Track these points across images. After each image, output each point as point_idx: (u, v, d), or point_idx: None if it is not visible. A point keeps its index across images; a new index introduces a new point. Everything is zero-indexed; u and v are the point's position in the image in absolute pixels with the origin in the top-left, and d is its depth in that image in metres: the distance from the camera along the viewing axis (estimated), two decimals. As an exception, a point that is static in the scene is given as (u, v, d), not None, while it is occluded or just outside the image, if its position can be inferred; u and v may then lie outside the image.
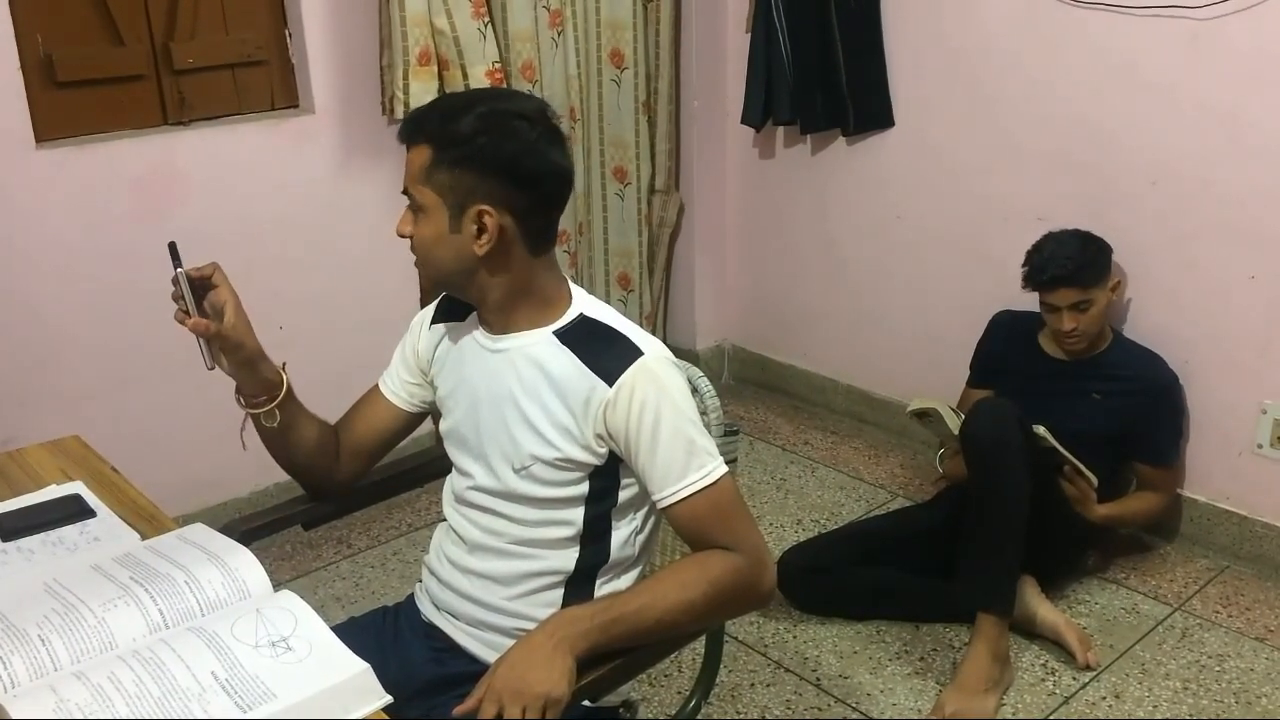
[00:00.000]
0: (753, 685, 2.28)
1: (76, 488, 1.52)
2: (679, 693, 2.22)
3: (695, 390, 1.48)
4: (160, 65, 2.58)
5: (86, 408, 2.53)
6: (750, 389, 3.69)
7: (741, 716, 2.20)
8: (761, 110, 3.18)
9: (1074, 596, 2.53)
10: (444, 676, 1.47)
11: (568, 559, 1.43)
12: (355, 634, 1.25)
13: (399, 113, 2.75)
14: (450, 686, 1.43)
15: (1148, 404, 2.52)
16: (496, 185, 1.33)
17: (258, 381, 1.47)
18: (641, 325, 3.52)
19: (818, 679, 2.30)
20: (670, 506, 1.35)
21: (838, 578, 2.47)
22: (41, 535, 1.39)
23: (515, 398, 1.40)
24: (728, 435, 1.48)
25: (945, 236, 3.04)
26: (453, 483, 1.53)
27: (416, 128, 1.37)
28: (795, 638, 2.42)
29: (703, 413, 1.47)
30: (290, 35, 2.73)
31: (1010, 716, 2.18)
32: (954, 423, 2.39)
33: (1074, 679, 2.27)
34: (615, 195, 3.35)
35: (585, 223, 3.29)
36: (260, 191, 2.71)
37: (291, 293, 2.78)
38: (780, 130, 3.35)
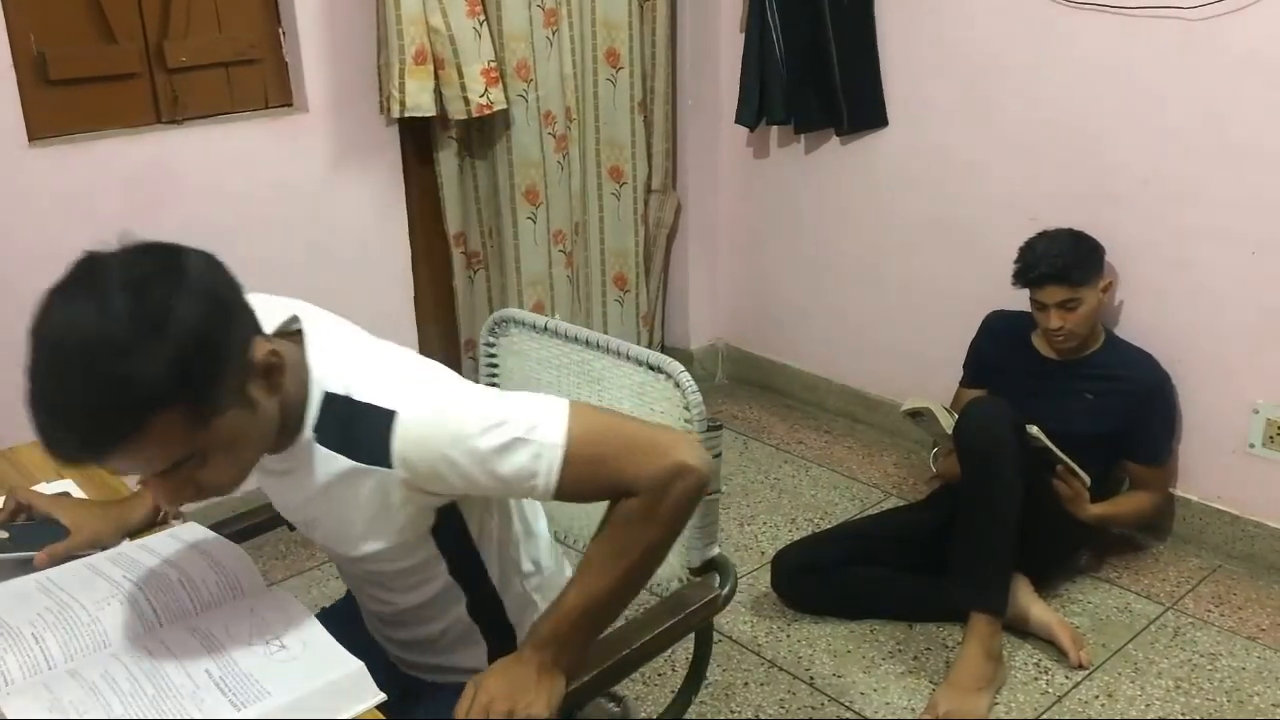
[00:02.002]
0: (746, 684, 2.29)
1: (67, 486, 1.52)
2: (671, 691, 2.22)
3: (677, 385, 1.45)
4: (153, 63, 2.57)
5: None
6: (744, 388, 3.69)
7: (735, 716, 2.20)
8: (756, 110, 3.18)
9: (1066, 595, 2.53)
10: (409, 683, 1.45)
11: (458, 609, 1.37)
12: (330, 622, 1.22)
13: (395, 112, 2.75)
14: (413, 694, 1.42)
15: (1140, 404, 2.53)
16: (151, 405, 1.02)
17: (148, 517, 1.45)
18: (639, 326, 3.56)
19: (811, 678, 2.30)
20: (553, 499, 1.20)
21: (831, 577, 2.48)
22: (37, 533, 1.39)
23: (323, 513, 1.26)
24: (710, 430, 1.46)
25: (938, 236, 3.05)
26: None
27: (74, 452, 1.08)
28: (789, 637, 2.43)
29: (684, 408, 1.45)
30: (284, 33, 2.73)
31: (1003, 715, 2.18)
32: (947, 422, 2.39)
33: (1067, 678, 2.27)
34: (611, 195, 3.35)
35: (581, 223, 3.29)
36: (254, 190, 2.70)
37: (285, 291, 2.76)
38: (774, 130, 3.35)
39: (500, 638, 1.40)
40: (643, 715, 2.18)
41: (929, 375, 3.01)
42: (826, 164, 3.26)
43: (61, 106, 2.46)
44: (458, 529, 1.30)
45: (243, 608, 1.22)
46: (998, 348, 2.69)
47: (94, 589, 1.23)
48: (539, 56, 2.99)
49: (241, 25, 2.68)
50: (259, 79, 2.74)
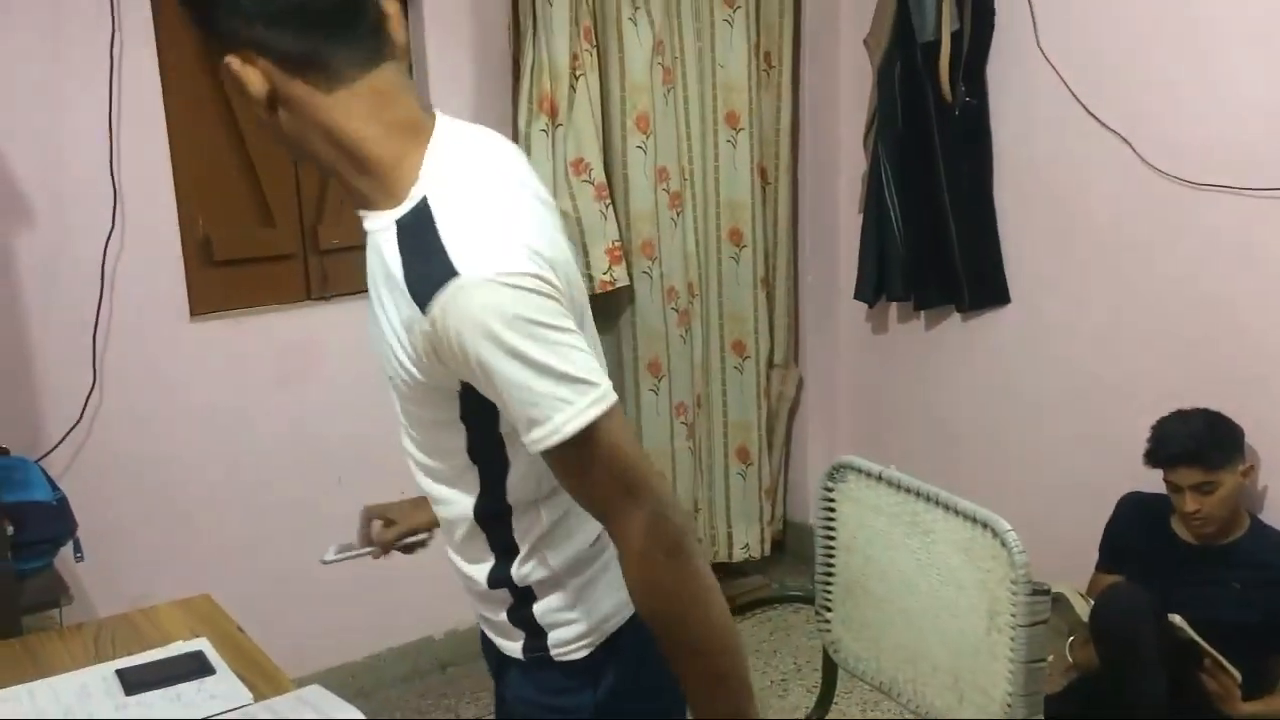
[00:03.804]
0: None
1: (201, 644, 1.57)
2: None
3: (1003, 544, 1.39)
4: (307, 245, 2.77)
5: (218, 567, 2.62)
6: (867, 566, 3.60)
7: None
8: (875, 287, 3.22)
9: (1222, 804, 2.34)
10: None
11: (467, 499, 1.22)
12: None
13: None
14: None
15: (1292, 595, 2.38)
16: (228, 27, 1.07)
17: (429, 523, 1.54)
18: (760, 500, 3.55)
19: None
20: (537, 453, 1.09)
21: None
22: (161, 690, 1.44)
23: (379, 298, 1.18)
24: (1037, 594, 1.39)
25: (1065, 415, 2.98)
26: None
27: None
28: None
29: (1010, 565, 1.35)
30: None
31: None
32: (1082, 609, 2.29)
33: None
34: (734, 369, 3.40)
35: (704, 395, 3.34)
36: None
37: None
38: (894, 306, 3.37)
39: (503, 554, 1.25)
40: None
41: (1062, 558, 2.88)
42: (948, 340, 3.26)
43: (222, 285, 2.66)
44: (486, 407, 1.13)
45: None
46: (1135, 531, 2.58)
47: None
48: (664, 235, 3.11)
49: (388, 210, 2.87)
50: (401, 259, 2.91)
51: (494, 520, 1.23)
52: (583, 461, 1.07)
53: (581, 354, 1.07)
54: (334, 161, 1.13)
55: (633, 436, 1.11)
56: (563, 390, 1.04)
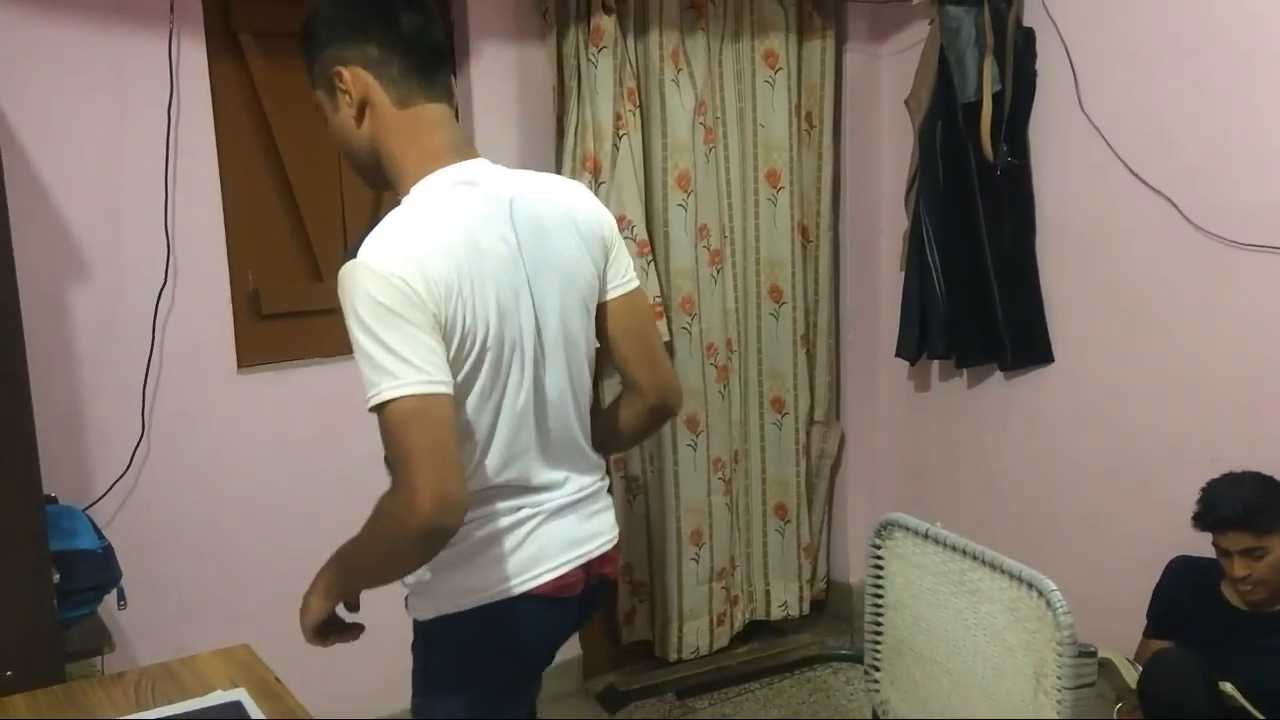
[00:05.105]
0: None
1: (239, 695, 1.58)
2: None
3: (1049, 605, 1.41)
4: (352, 299, 2.81)
5: (258, 617, 2.62)
6: (909, 628, 3.54)
7: None
8: (916, 344, 3.21)
9: None
10: None
11: None
12: None
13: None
14: None
15: (1349, 664, 2.31)
16: (339, 47, 1.46)
17: None
18: (800, 558, 3.51)
19: None
20: None
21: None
22: (202, 740, 1.45)
23: None
24: (1084, 655, 1.39)
25: (1111, 476, 2.93)
26: None
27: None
28: None
29: (1056, 627, 1.38)
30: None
31: None
32: (1130, 675, 2.24)
33: None
34: (773, 425, 3.39)
35: (741, 451, 3.33)
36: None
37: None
38: (936, 364, 3.36)
39: None
40: None
41: (1109, 622, 2.82)
42: (990, 399, 3.23)
43: (269, 338, 2.70)
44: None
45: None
46: (1184, 597, 2.53)
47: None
48: (703, 292, 3.12)
49: (432, 265, 2.92)
50: (444, 313, 2.95)
51: None
52: (382, 429, 1.34)
53: (410, 349, 1.32)
54: (368, 159, 1.50)
55: (420, 427, 1.32)
56: (382, 367, 1.32)
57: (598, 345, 1.61)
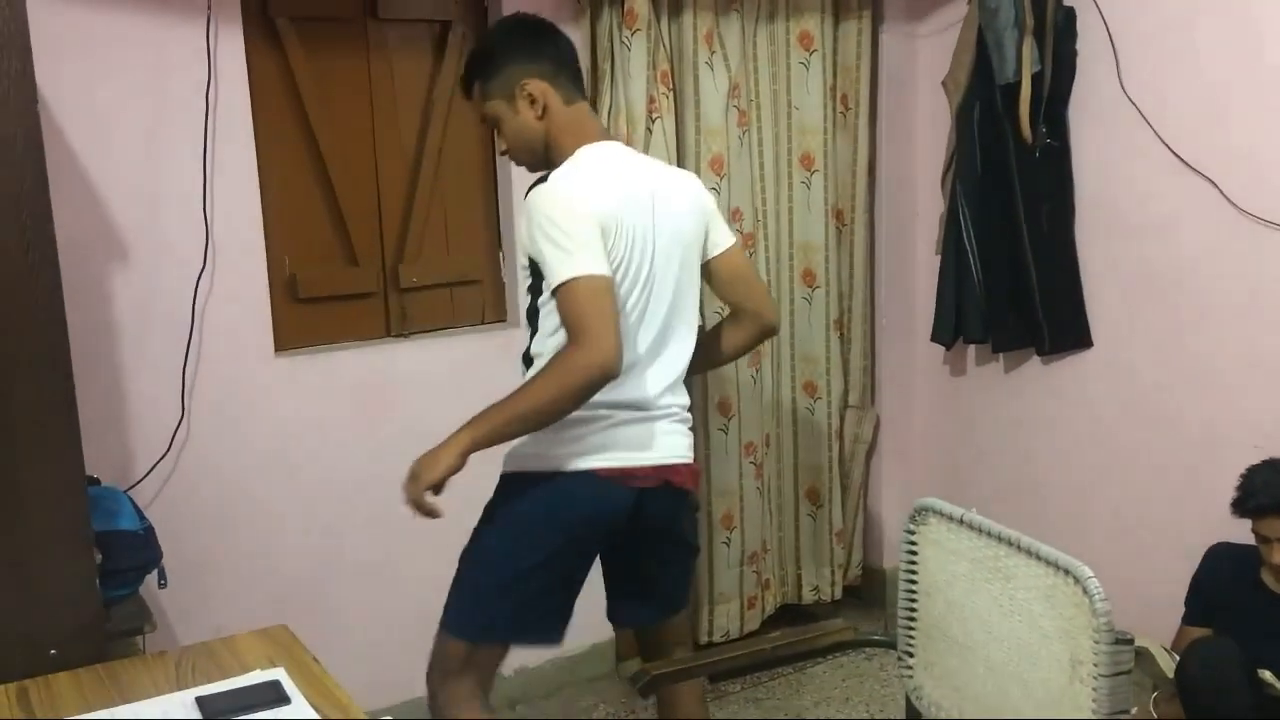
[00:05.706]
0: None
1: (278, 674, 1.60)
2: None
3: (1085, 591, 1.44)
4: (389, 283, 2.83)
5: (296, 598, 2.67)
6: (943, 613, 3.53)
7: None
8: (952, 328, 3.18)
9: None
10: None
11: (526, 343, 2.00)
12: None
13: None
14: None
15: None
16: (523, 65, 1.97)
17: None
18: (832, 543, 3.50)
19: None
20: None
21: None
22: (238, 718, 1.47)
23: None
24: (1121, 643, 1.40)
25: (1150, 462, 2.90)
26: None
27: (464, 88, 2.07)
28: None
29: (1092, 614, 1.41)
30: (504, 257, 2.96)
31: None
32: (1167, 664, 2.22)
33: None
34: (805, 410, 3.38)
35: (773, 435, 3.32)
36: (466, 395, 2.87)
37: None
38: (972, 348, 3.33)
39: None
40: None
41: (1146, 611, 2.79)
42: (1027, 384, 3.20)
43: (306, 322, 2.73)
44: (538, 283, 1.92)
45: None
46: (1223, 584, 2.50)
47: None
48: (738, 277, 3.11)
49: (467, 249, 2.93)
50: (479, 298, 2.96)
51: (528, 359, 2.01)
52: (565, 301, 1.79)
53: (589, 244, 1.81)
54: (539, 147, 2.00)
55: (597, 298, 1.78)
56: (569, 253, 1.79)
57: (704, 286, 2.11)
